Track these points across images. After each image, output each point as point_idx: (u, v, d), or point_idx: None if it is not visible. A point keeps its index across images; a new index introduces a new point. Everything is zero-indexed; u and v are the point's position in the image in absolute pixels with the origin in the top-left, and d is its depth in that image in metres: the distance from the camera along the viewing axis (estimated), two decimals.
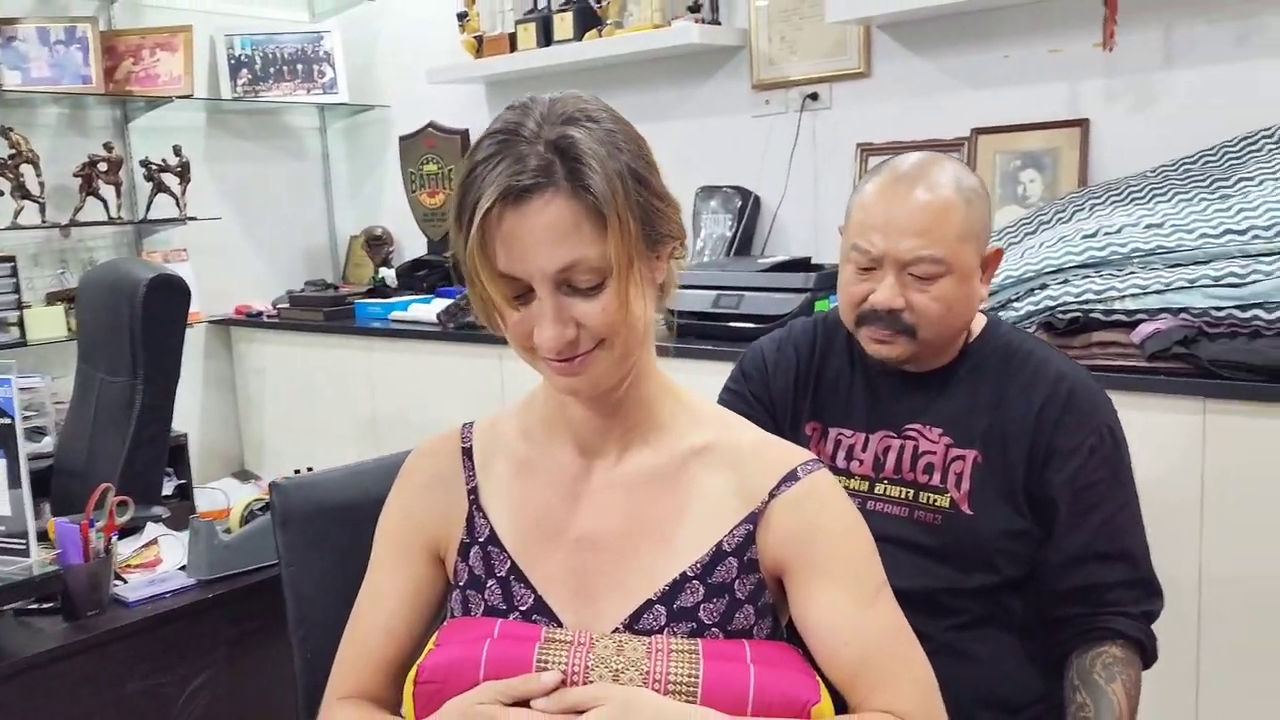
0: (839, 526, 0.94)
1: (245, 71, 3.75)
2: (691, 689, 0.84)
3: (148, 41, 3.44)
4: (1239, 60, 2.29)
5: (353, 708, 0.98)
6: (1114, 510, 1.28)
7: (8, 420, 1.58)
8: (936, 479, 1.31)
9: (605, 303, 0.86)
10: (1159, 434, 1.87)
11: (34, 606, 1.71)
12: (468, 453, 1.02)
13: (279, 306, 3.65)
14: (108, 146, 3.32)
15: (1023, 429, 1.29)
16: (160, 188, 3.46)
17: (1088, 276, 2.08)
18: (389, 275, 3.68)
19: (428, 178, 3.76)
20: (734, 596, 0.93)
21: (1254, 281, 1.88)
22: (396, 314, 3.35)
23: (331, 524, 1.68)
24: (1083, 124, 2.50)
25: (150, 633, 1.69)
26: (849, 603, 0.91)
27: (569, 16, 3.21)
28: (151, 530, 1.97)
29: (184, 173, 3.46)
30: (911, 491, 1.32)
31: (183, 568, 1.84)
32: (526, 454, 1.00)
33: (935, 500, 1.30)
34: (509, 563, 0.96)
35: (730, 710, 0.83)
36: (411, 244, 3.94)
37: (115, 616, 1.68)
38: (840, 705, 0.90)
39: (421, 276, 3.59)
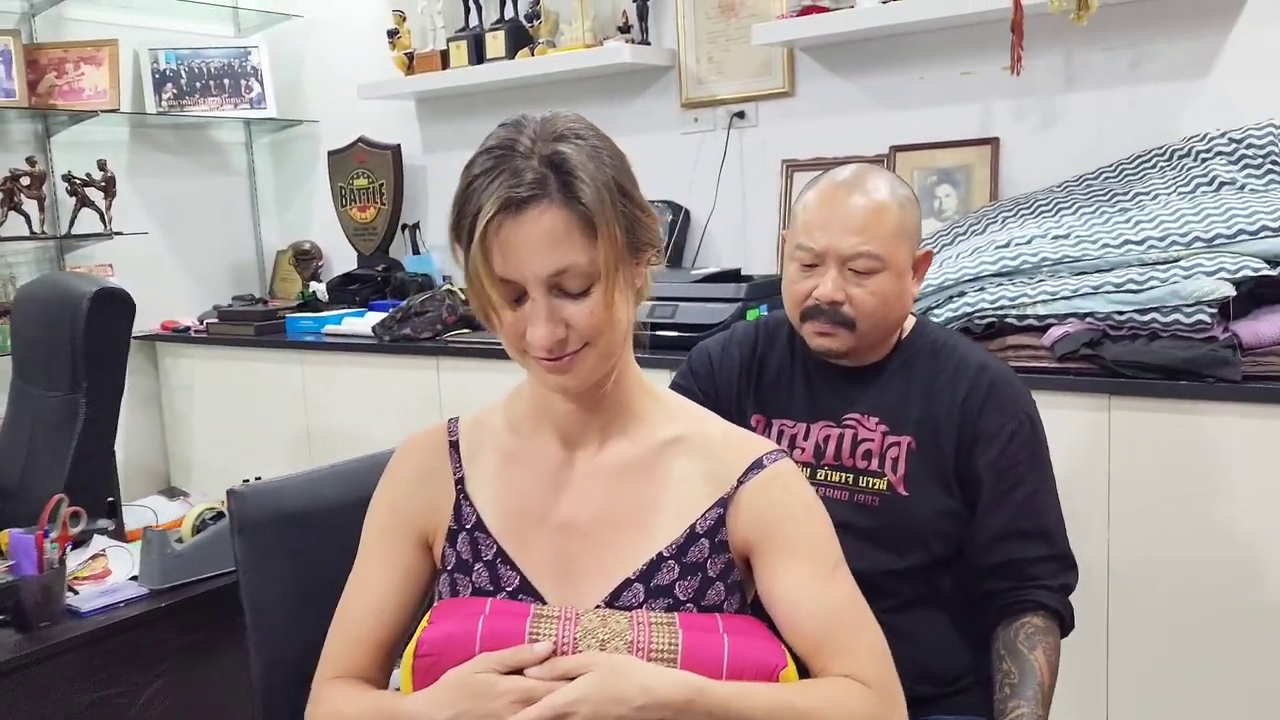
0: (801, 509, 1.04)
1: (170, 86, 3.73)
2: (672, 655, 0.92)
3: (71, 55, 3.41)
4: (1132, 84, 2.48)
5: (345, 686, 1.03)
6: (1033, 490, 1.40)
7: None
8: (874, 464, 1.41)
9: (593, 305, 0.93)
10: (1069, 428, 2.01)
11: None
12: (454, 445, 1.09)
13: (207, 321, 3.62)
14: (30, 161, 3.27)
15: (951, 416, 1.40)
16: (84, 202, 3.41)
17: (1002, 284, 2.23)
18: (320, 289, 3.69)
19: (358, 192, 3.78)
20: (706, 575, 1.01)
21: (1151, 287, 2.04)
22: (330, 328, 3.36)
23: (288, 530, 1.71)
24: (993, 142, 2.66)
25: (103, 643, 1.70)
26: (811, 578, 1.00)
27: (501, 35, 3.28)
28: (99, 542, 1.98)
29: (109, 187, 3.43)
30: (851, 476, 1.42)
31: (134, 578, 1.85)
32: (513, 446, 1.07)
33: (874, 484, 1.41)
34: (495, 547, 1.03)
35: (706, 674, 0.91)
36: (340, 258, 3.95)
37: (68, 627, 1.68)
38: (803, 673, 0.99)
39: (354, 290, 3.61)
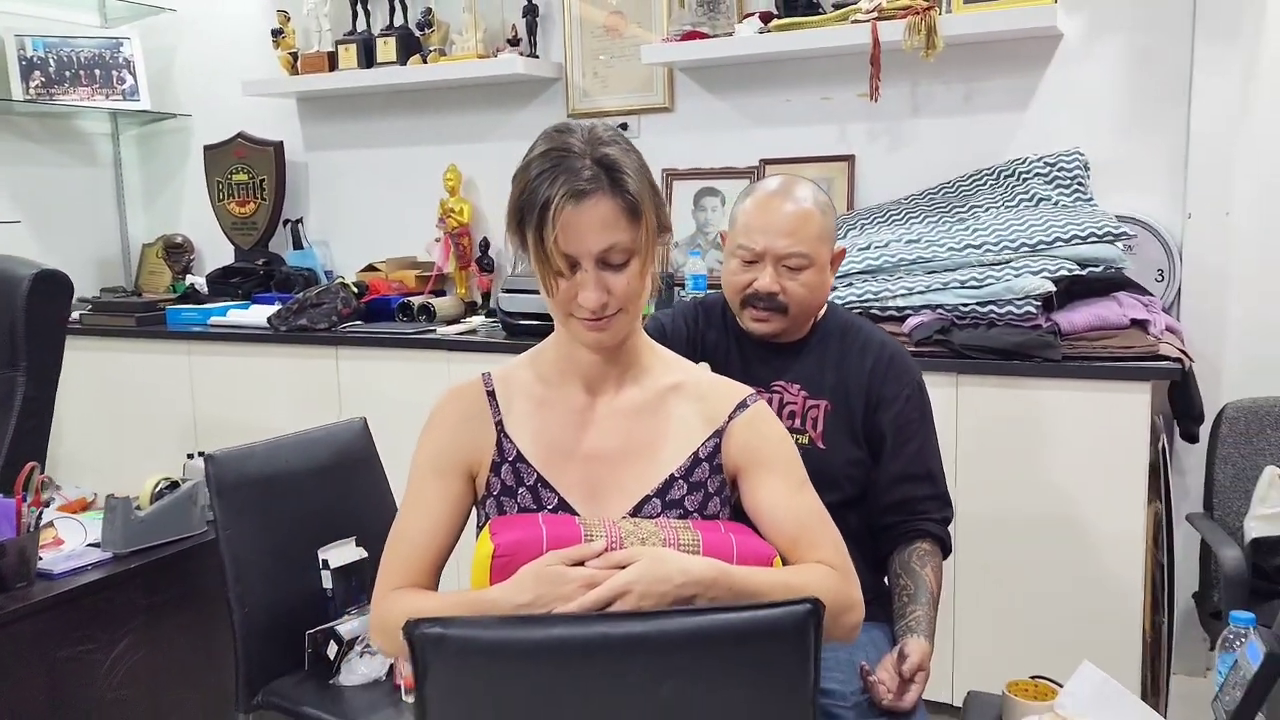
0: (777, 437, 1.32)
1: (39, 74, 3.66)
2: (695, 548, 1.17)
3: None
4: (967, 114, 2.91)
5: (410, 591, 1.23)
6: (922, 442, 1.73)
7: None
8: (797, 423, 1.70)
9: (630, 276, 1.18)
10: None
11: None
12: (491, 394, 1.30)
13: (80, 313, 3.58)
14: None
15: (859, 384, 1.71)
16: None
17: (866, 281, 2.59)
18: (199, 282, 3.71)
19: (237, 187, 3.82)
20: (707, 491, 1.27)
21: (989, 284, 2.44)
22: (216, 319, 3.41)
23: (258, 492, 1.89)
24: (850, 159, 3.04)
25: (77, 603, 1.79)
26: (787, 489, 1.28)
27: (392, 41, 3.43)
28: (45, 515, 2.03)
29: None
30: None
31: (93, 545, 1.94)
32: (543, 393, 1.30)
33: (798, 440, 1.69)
34: (535, 475, 1.26)
35: (723, 560, 1.17)
36: (214, 252, 3.96)
37: (43, 588, 1.77)
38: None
39: (235, 283, 3.65)
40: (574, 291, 1.18)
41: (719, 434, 1.29)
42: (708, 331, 1.78)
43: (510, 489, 1.26)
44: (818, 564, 1.24)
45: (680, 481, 1.26)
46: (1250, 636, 1.40)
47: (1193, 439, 2.54)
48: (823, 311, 1.78)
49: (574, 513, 1.24)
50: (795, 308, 1.67)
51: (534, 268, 1.19)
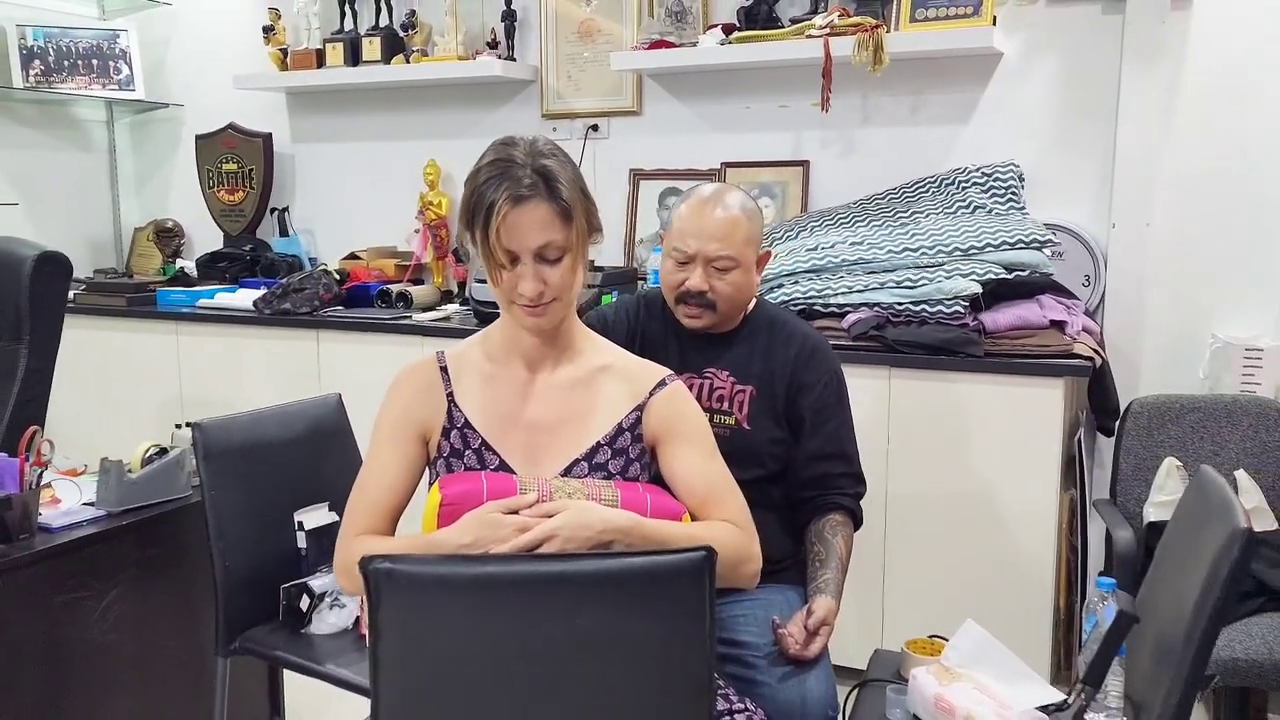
0: (692, 413, 1.52)
1: (38, 62, 3.83)
2: (614, 502, 1.37)
3: None
4: (912, 125, 3.11)
5: (370, 537, 1.42)
6: (838, 425, 1.93)
7: None
8: (726, 405, 1.90)
9: (563, 270, 1.38)
10: (859, 392, 2.52)
11: None
12: (444, 370, 1.50)
13: (74, 293, 3.74)
14: None
15: (783, 371, 1.91)
16: None
17: (811, 279, 2.79)
18: (189, 266, 3.88)
19: (226, 175, 4.00)
20: (628, 457, 1.47)
21: (922, 285, 2.64)
22: (204, 301, 3.59)
23: (241, 459, 2.08)
24: (804, 164, 3.24)
25: (73, 554, 1.97)
26: (699, 456, 1.48)
27: (377, 41, 3.61)
28: (45, 477, 2.21)
29: None
30: (708, 414, 1.88)
31: (88, 504, 2.12)
32: (489, 370, 1.49)
33: (725, 420, 1.89)
34: (480, 439, 1.45)
35: (639, 514, 1.37)
36: (203, 237, 4.13)
37: (43, 540, 1.95)
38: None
39: (223, 268, 3.83)
40: (515, 282, 1.38)
41: (641, 408, 1.49)
42: (649, 323, 1.97)
43: (458, 451, 1.46)
44: (723, 521, 1.44)
45: (605, 448, 1.46)
46: (1110, 599, 1.60)
47: (1108, 432, 2.75)
48: (752, 305, 1.97)
49: (512, 473, 1.44)
50: (723, 304, 1.86)
51: (481, 261, 1.39)
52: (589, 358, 1.51)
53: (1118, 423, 2.67)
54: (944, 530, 2.61)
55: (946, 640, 1.71)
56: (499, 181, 1.34)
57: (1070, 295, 2.82)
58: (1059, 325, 2.62)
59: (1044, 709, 1.56)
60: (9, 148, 3.85)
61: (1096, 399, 2.75)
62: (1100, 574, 2.74)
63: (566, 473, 1.44)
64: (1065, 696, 1.59)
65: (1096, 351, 2.57)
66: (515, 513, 1.33)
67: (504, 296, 1.41)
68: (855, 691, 1.72)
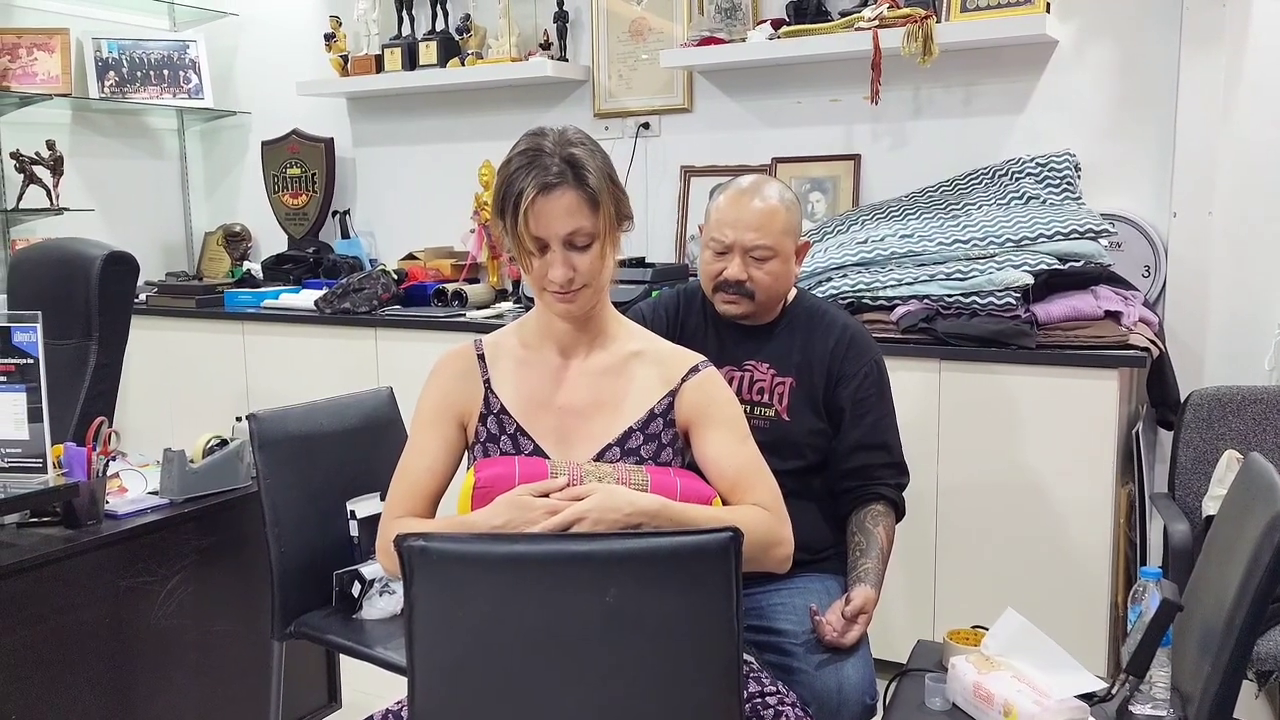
0: (724, 398, 1.53)
1: (113, 74, 3.98)
2: (644, 486, 1.39)
3: (24, 41, 3.64)
4: (964, 116, 3.08)
5: (407, 519, 1.46)
6: (879, 416, 1.92)
7: (31, 360, 1.92)
8: (765, 398, 1.90)
9: (592, 256, 1.40)
10: (909, 384, 2.57)
11: (33, 520, 2.03)
12: (481, 357, 1.54)
13: (146, 295, 3.89)
14: None
15: (822, 362, 1.91)
16: (31, 179, 3.66)
17: (860, 272, 2.77)
18: (255, 268, 4.00)
19: (290, 180, 4.11)
20: (660, 442, 1.49)
21: (972, 277, 2.61)
22: (269, 302, 3.70)
23: (296, 448, 2.14)
24: (855, 158, 3.22)
25: (137, 540, 2.05)
26: (731, 441, 1.49)
27: (433, 45, 3.68)
28: (112, 467, 2.31)
29: (57, 166, 3.67)
30: (748, 407, 1.90)
31: (152, 493, 2.21)
32: (524, 356, 1.53)
33: (765, 412, 1.90)
34: (515, 424, 1.48)
35: (668, 498, 1.39)
36: (269, 240, 4.26)
37: (109, 526, 2.03)
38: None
39: (288, 269, 3.94)
40: (545, 269, 1.41)
41: (673, 394, 1.51)
42: (689, 317, 1.99)
43: (494, 436, 1.49)
44: (752, 505, 1.45)
45: (638, 433, 1.48)
46: (1154, 588, 1.58)
47: (1168, 425, 2.69)
48: (791, 297, 1.98)
49: (546, 457, 1.47)
50: (761, 294, 1.87)
51: (513, 249, 1.42)
52: (622, 344, 1.53)
53: (1177, 415, 2.61)
54: (996, 525, 2.58)
55: (986, 629, 1.70)
56: (527, 170, 1.37)
57: (1128, 286, 2.76)
58: (1114, 316, 2.56)
59: (1087, 698, 1.54)
60: (87, 156, 4.01)
61: (1156, 391, 2.69)
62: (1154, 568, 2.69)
63: (599, 457, 1.47)
64: (1108, 686, 1.57)
65: (1154, 342, 2.52)
66: (546, 496, 1.35)
67: (535, 284, 1.44)
68: (896, 681, 1.72)
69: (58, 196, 3.71)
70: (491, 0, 3.62)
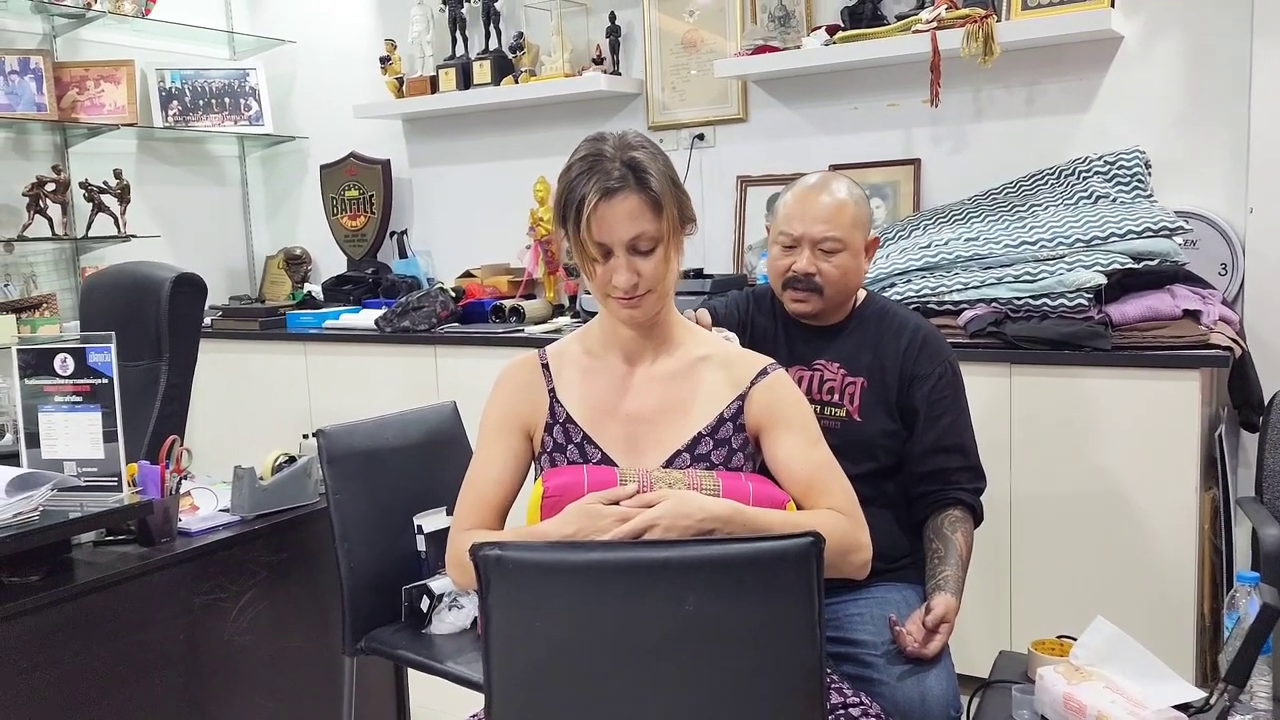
0: (794, 399, 1.50)
1: (176, 103, 4.07)
2: (715, 491, 1.36)
3: (92, 74, 3.74)
4: (1028, 117, 3.01)
5: (477, 531, 1.45)
6: (954, 418, 1.87)
7: (105, 381, 1.94)
8: (836, 398, 1.87)
9: (656, 261, 1.39)
10: (979, 390, 2.48)
11: (109, 539, 2.06)
12: (545, 366, 1.52)
13: (211, 319, 3.95)
14: (56, 169, 3.59)
15: (894, 362, 1.86)
16: (100, 208, 3.74)
17: (924, 277, 2.73)
18: (315, 290, 4.05)
19: (349, 202, 4.16)
20: (731, 447, 1.46)
21: (1042, 278, 2.55)
22: (330, 323, 3.74)
23: (364, 464, 2.14)
24: (915, 163, 3.17)
25: (210, 557, 2.06)
26: (803, 444, 1.46)
27: (488, 64, 3.71)
28: (184, 485, 2.33)
29: (124, 194, 3.75)
30: (819, 407, 1.86)
31: (223, 510, 2.22)
32: (588, 364, 1.51)
33: (835, 413, 1.86)
34: (582, 434, 1.47)
35: (741, 503, 1.36)
36: (328, 262, 4.31)
37: (183, 543, 2.04)
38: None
39: (348, 290, 3.98)
40: (609, 275, 1.39)
41: (742, 398, 1.48)
42: (757, 317, 1.96)
43: (561, 446, 1.47)
44: (828, 510, 1.42)
45: (707, 439, 1.45)
46: (1252, 593, 1.51)
47: (1252, 428, 2.60)
48: (861, 298, 1.94)
49: (615, 465, 1.44)
50: (830, 288, 1.83)
51: (575, 255, 1.40)
52: (688, 349, 1.51)
53: (1262, 417, 2.51)
54: (1073, 532, 2.50)
55: (1072, 639, 1.64)
56: (589, 176, 1.36)
57: (1205, 284, 2.68)
58: (1193, 315, 2.48)
59: (1184, 709, 1.48)
60: (152, 183, 4.10)
61: (1238, 393, 2.60)
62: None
63: (669, 464, 1.44)
64: (1206, 695, 1.51)
65: (1236, 341, 2.43)
66: (616, 503, 1.33)
67: (599, 290, 1.42)
68: (980, 693, 1.66)
69: (125, 224, 3.79)
70: (544, 17, 3.64)
